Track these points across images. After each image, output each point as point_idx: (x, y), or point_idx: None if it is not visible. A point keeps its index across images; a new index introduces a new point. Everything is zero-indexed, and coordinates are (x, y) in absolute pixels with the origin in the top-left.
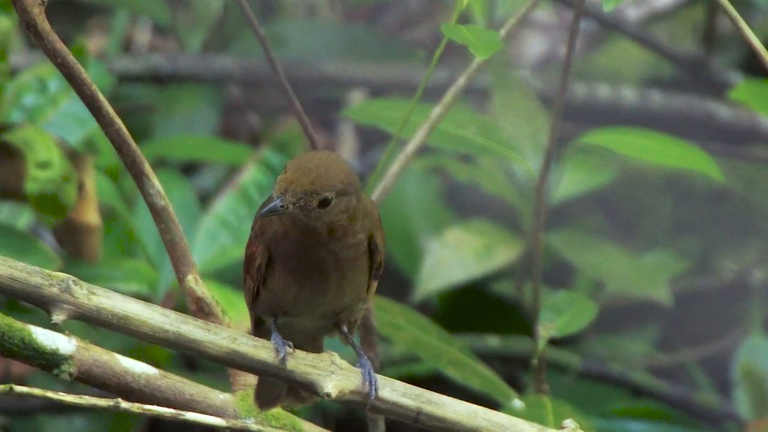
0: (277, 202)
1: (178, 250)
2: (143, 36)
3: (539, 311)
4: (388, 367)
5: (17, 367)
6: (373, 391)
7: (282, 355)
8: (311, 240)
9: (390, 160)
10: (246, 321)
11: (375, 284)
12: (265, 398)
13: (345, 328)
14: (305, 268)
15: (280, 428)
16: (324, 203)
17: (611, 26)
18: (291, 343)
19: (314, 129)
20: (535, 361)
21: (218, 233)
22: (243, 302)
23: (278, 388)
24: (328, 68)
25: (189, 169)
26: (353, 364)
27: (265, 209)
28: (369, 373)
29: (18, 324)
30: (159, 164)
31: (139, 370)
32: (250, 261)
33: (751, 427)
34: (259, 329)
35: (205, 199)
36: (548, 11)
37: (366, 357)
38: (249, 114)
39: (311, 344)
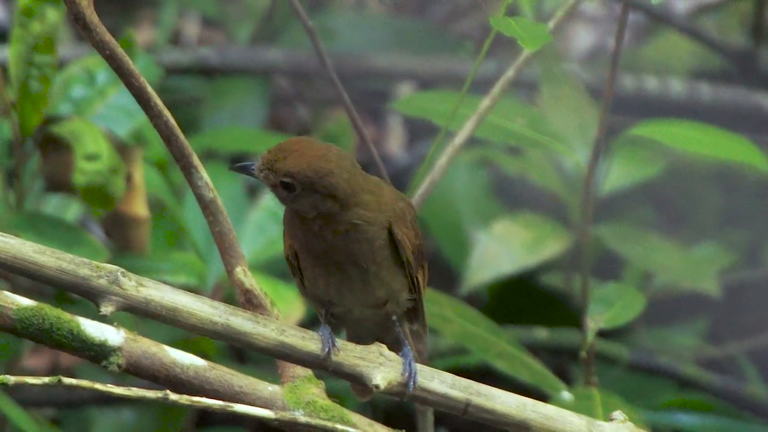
0: (250, 164)
1: (227, 242)
2: (192, 28)
3: (588, 303)
4: (436, 358)
5: (66, 359)
6: (412, 382)
7: (327, 348)
8: (310, 230)
9: (438, 153)
10: (294, 312)
11: (422, 279)
12: (359, 388)
13: (394, 317)
14: (322, 261)
15: (329, 420)
16: (287, 187)
17: (660, 18)
18: (336, 341)
19: (362, 121)
20: (583, 353)
21: (267, 225)
22: (292, 294)
23: None
24: (376, 61)
25: (237, 161)
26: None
27: (235, 165)
28: (409, 364)
29: (66, 316)
30: (207, 156)
31: (187, 362)
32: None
33: None
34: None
35: (253, 191)
36: (597, 3)
37: (409, 347)
38: (297, 106)
39: (384, 332)
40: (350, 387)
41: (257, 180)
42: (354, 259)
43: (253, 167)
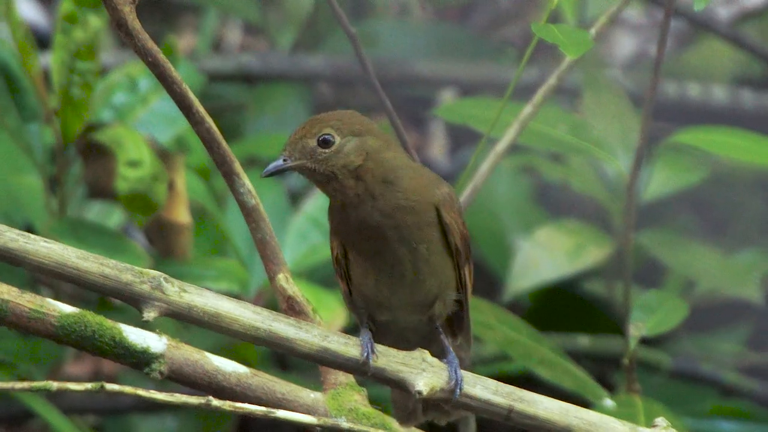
0: (278, 161)
1: (269, 249)
2: (234, 35)
3: (630, 310)
4: (479, 365)
5: (108, 366)
6: (458, 388)
7: (366, 353)
8: (358, 208)
9: (480, 159)
10: (336, 319)
11: (468, 275)
12: (401, 413)
13: (438, 324)
14: (372, 246)
15: (371, 427)
16: (325, 143)
17: (702, 25)
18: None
19: (405, 128)
20: (626, 361)
21: (309, 232)
22: (334, 301)
23: (411, 401)
24: (418, 67)
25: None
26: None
27: (265, 170)
28: (455, 371)
29: (108, 323)
30: (249, 163)
31: (230, 369)
32: (332, 257)
33: None
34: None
35: (295, 198)
36: (639, 10)
37: (453, 354)
38: None
39: (426, 343)
40: (392, 412)
41: (291, 173)
42: (403, 235)
43: (282, 161)
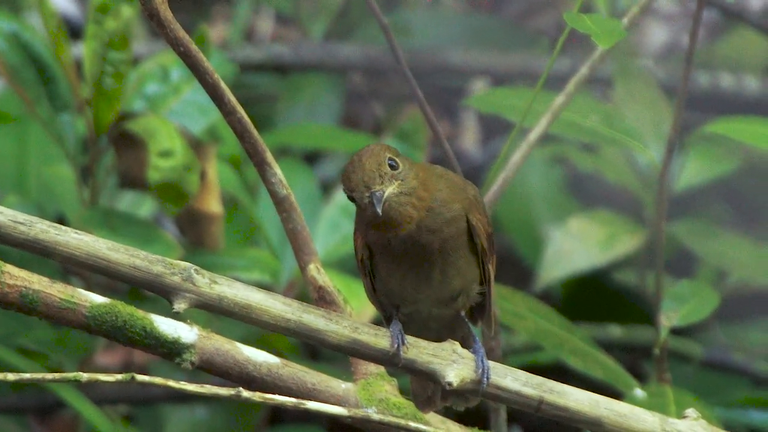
0: (375, 201)
1: (300, 239)
2: (266, 25)
3: (662, 300)
4: (510, 355)
5: (139, 357)
6: (485, 377)
7: (396, 344)
8: (411, 227)
9: (512, 149)
10: (367, 310)
11: (492, 269)
12: (419, 400)
13: (463, 314)
14: (409, 258)
15: (402, 417)
16: (394, 166)
17: (734, 15)
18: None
19: (437, 118)
20: (657, 351)
21: (340, 222)
22: (364, 291)
23: (429, 388)
24: (451, 57)
25: (311, 157)
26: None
27: (372, 211)
28: (482, 360)
29: (140, 313)
30: (281, 153)
31: (260, 359)
32: (356, 255)
33: None
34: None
35: (327, 188)
36: (671, 0)
37: (480, 343)
38: (372, 103)
39: (448, 333)
40: (412, 398)
41: (389, 199)
42: (444, 246)
43: (377, 196)
